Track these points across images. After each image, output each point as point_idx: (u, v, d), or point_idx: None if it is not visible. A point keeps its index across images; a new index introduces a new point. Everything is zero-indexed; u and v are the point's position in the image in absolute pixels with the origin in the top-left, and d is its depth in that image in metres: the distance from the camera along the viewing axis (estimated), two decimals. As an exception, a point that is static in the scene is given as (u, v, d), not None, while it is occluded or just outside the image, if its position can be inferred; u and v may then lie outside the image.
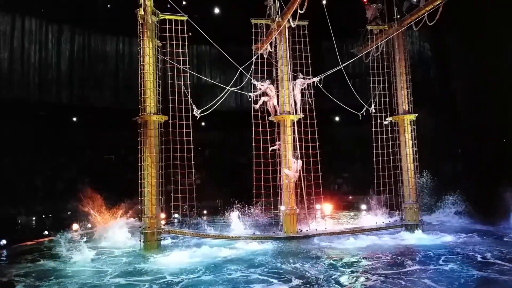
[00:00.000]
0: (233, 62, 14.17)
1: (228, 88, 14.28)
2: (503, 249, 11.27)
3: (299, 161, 13.62)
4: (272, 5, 14.51)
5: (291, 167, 13.64)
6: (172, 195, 13.69)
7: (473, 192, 18.96)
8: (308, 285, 8.65)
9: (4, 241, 13.80)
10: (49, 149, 22.54)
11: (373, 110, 15.31)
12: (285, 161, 13.92)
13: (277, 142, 14.71)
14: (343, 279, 8.94)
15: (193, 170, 13.79)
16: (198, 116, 13.64)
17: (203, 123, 15.10)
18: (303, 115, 14.79)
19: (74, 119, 26.28)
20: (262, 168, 14.82)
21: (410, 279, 8.90)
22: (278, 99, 14.34)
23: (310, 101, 14.99)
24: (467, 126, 22.61)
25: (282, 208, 14.12)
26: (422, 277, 8.97)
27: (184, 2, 23.74)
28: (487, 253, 10.94)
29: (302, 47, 14.73)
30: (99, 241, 14.19)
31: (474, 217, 16.50)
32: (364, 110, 15.37)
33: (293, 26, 13.98)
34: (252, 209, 15.44)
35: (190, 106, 13.72)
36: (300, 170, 13.86)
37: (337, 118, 26.63)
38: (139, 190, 13.08)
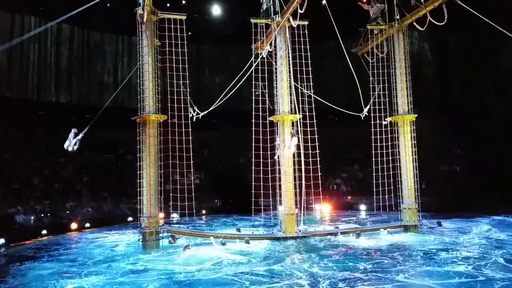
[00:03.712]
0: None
1: (237, 78, 13.98)
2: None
3: (295, 138, 13.33)
4: (270, 4, 14.45)
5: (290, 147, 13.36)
6: (171, 194, 13.65)
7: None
8: (308, 284, 8.63)
9: (2, 240, 13.77)
10: (47, 148, 22.50)
11: (366, 114, 15.31)
12: (284, 161, 13.88)
13: (277, 142, 14.66)
14: (342, 277, 8.92)
15: (192, 170, 13.75)
16: (195, 118, 13.62)
17: (201, 123, 14.97)
18: (302, 115, 14.72)
19: (73, 118, 26.21)
20: (261, 168, 14.77)
21: (407, 277, 8.89)
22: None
23: (309, 101, 14.91)
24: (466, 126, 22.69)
25: (281, 208, 14.08)
26: (418, 276, 8.97)
27: (183, 2, 23.76)
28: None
29: (302, 46, 14.68)
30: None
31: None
32: (366, 110, 15.41)
33: (294, 25, 13.93)
34: None
35: (189, 105, 13.67)
36: (296, 146, 13.50)
37: (336, 118, 26.60)
38: (138, 189, 13.04)
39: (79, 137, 12.38)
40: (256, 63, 14.35)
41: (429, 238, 13.50)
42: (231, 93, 13.98)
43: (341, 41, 13.16)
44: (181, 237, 13.68)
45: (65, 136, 12.89)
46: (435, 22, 13.02)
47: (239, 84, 13.94)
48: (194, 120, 13.72)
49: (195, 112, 13.72)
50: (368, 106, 15.34)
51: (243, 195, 16.51)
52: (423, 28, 14.07)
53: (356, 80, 14.37)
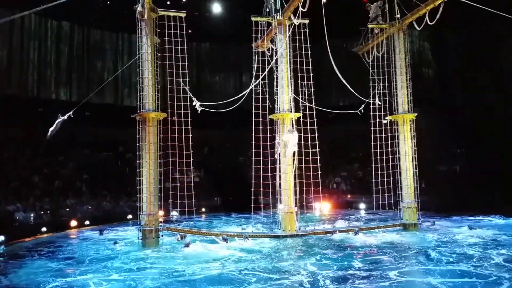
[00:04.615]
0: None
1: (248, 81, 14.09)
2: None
3: (295, 133, 13.29)
4: (272, 2, 14.45)
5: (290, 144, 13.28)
6: (170, 192, 13.66)
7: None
8: (309, 281, 8.64)
9: (2, 238, 13.78)
10: (47, 146, 22.50)
11: (379, 103, 15.29)
12: (284, 160, 13.89)
13: (277, 141, 14.67)
14: (342, 275, 8.94)
15: (191, 168, 13.76)
16: (199, 110, 13.56)
17: (201, 121, 14.94)
18: (302, 113, 14.71)
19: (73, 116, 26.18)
20: (261, 166, 14.78)
21: (407, 275, 8.91)
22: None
23: (309, 99, 14.90)
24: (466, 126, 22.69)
25: (281, 206, 14.09)
26: (418, 274, 8.99)
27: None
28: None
29: (303, 45, 14.67)
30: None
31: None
32: (363, 106, 15.46)
33: (296, 23, 13.89)
34: None
35: (189, 99, 13.62)
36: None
37: (336, 117, 26.55)
38: (138, 187, 13.05)
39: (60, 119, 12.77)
40: (256, 61, 14.31)
41: (429, 237, 13.51)
42: (247, 92, 13.91)
43: (327, 41, 13.02)
44: (187, 236, 13.68)
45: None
46: (428, 22, 13.03)
47: (257, 82, 13.86)
48: (199, 112, 13.68)
49: (195, 103, 13.62)
50: (365, 102, 15.37)
51: (243, 194, 16.54)
52: (419, 28, 14.06)
53: (339, 76, 14.21)
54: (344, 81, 14.02)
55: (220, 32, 26.81)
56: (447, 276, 8.78)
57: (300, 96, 14.76)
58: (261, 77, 14.20)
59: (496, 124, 21.78)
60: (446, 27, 24.19)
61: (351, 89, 14.61)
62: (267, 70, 14.21)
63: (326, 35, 12.95)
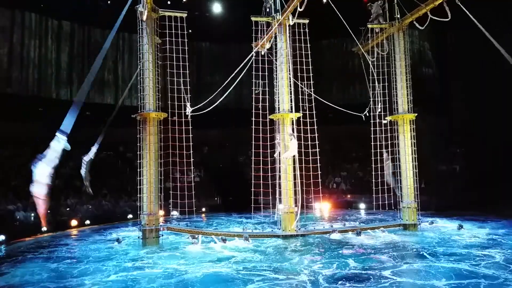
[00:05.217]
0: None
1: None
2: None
3: (294, 140, 13.15)
4: (271, 2, 14.46)
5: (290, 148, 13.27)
6: (171, 192, 13.68)
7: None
8: (309, 280, 8.66)
9: (2, 237, 13.81)
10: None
11: (379, 109, 15.30)
12: (284, 159, 13.90)
13: (277, 141, 14.68)
14: (342, 275, 8.96)
15: (191, 168, 13.77)
16: (189, 115, 13.55)
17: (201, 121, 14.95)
18: (302, 113, 14.71)
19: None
20: (261, 166, 14.79)
21: (407, 275, 8.93)
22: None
23: (309, 99, 14.89)
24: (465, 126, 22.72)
25: (281, 206, 14.11)
26: (419, 274, 9.01)
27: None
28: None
29: (303, 45, 14.67)
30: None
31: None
32: (366, 110, 15.48)
33: (291, 23, 13.86)
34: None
35: (183, 103, 13.64)
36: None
37: (336, 117, 26.56)
38: (138, 187, 13.07)
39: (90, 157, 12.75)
40: (251, 61, 14.25)
41: (429, 237, 13.53)
42: (224, 95, 13.91)
43: (356, 39, 13.00)
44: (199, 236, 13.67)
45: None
46: (441, 19, 13.00)
47: (235, 83, 13.82)
48: (188, 115, 13.67)
49: (187, 108, 13.60)
50: (376, 106, 15.40)
51: (243, 194, 16.55)
52: (422, 27, 14.05)
53: (375, 79, 14.17)
54: (376, 83, 14.03)
55: (220, 32, 26.82)
56: (449, 277, 8.79)
57: (300, 96, 14.75)
58: (237, 72, 14.08)
59: (496, 124, 21.80)
60: (447, 27, 24.19)
61: (378, 92, 14.61)
62: (244, 64, 13.96)
63: (351, 32, 13.00)
